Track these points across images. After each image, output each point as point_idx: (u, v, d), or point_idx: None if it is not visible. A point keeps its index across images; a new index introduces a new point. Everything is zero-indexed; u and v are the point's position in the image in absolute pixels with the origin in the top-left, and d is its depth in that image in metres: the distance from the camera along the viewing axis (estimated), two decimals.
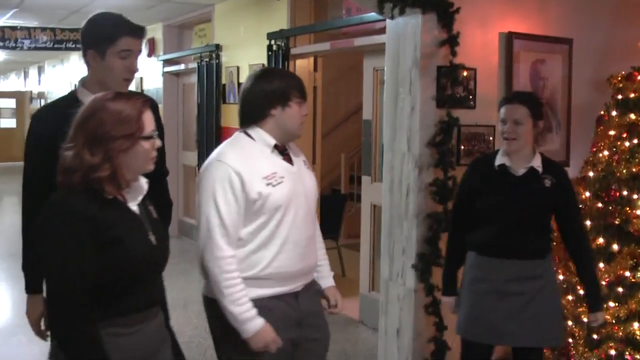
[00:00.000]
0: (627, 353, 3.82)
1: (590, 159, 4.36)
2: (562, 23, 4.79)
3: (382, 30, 4.91)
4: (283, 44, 6.32)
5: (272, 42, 6.39)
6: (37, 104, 20.47)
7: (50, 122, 2.49)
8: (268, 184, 2.59)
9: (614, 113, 4.30)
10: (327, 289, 2.94)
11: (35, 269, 2.56)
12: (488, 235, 3.25)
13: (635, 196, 4.01)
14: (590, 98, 4.91)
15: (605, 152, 4.23)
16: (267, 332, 2.57)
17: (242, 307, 2.55)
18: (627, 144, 4.16)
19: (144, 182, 2.21)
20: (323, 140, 6.69)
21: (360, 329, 5.59)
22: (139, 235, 2.13)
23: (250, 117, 2.70)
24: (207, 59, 7.89)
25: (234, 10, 7.48)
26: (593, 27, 4.98)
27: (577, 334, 4.03)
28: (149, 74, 9.99)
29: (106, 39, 2.53)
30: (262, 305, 2.61)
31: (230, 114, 7.38)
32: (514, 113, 3.19)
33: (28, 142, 2.62)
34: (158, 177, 2.65)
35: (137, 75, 11.17)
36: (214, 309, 2.65)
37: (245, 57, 7.09)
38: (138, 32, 2.61)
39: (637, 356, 3.79)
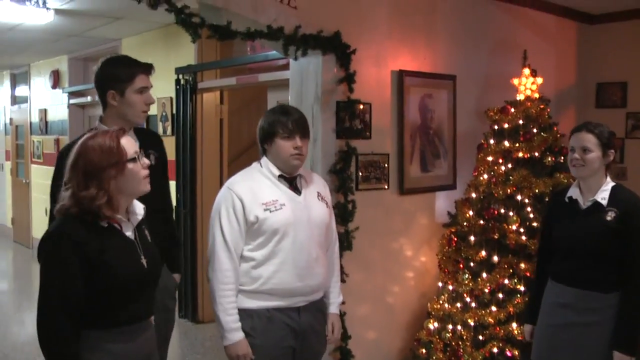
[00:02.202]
0: (507, 350, 4.20)
1: (473, 181, 4.79)
2: (446, 61, 5.27)
3: (285, 67, 5.18)
4: (191, 79, 6.54)
5: (180, 76, 6.60)
6: None
7: None
8: (266, 210, 2.90)
9: (491, 141, 4.77)
10: (329, 316, 3.22)
11: None
12: (556, 263, 3.33)
13: (510, 213, 4.45)
14: (472, 127, 5.40)
15: (485, 176, 4.67)
16: (243, 346, 2.88)
17: (230, 317, 2.88)
18: (503, 168, 4.63)
19: (140, 208, 2.41)
20: (229, 166, 6.93)
21: None
22: (131, 259, 2.32)
23: (261, 150, 3.06)
24: None
25: (142, 45, 7.55)
26: (473, 64, 5.51)
27: (464, 336, 4.38)
28: (54, 105, 9.90)
29: (124, 79, 2.80)
30: (264, 315, 2.92)
31: None
32: (581, 140, 3.20)
33: (55, 177, 2.78)
34: (161, 208, 3.02)
35: (41, 106, 11.14)
36: None
37: (153, 90, 7.14)
38: (151, 70, 2.91)
39: (516, 352, 4.17)
